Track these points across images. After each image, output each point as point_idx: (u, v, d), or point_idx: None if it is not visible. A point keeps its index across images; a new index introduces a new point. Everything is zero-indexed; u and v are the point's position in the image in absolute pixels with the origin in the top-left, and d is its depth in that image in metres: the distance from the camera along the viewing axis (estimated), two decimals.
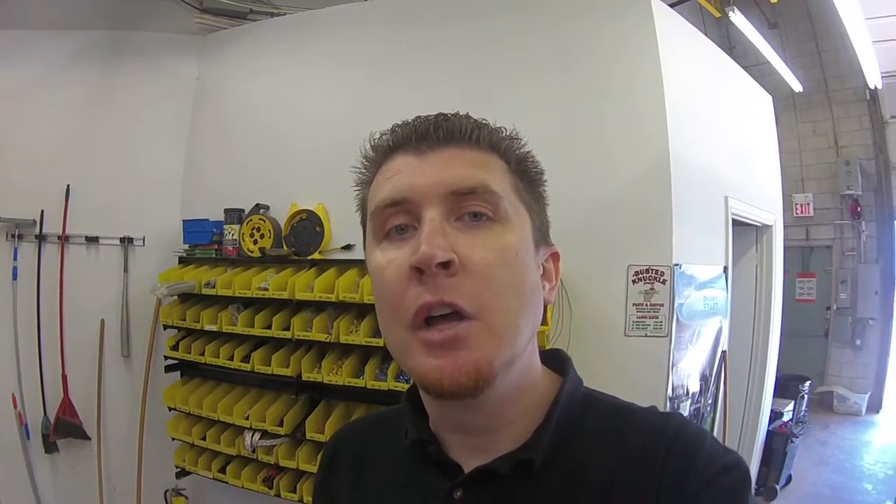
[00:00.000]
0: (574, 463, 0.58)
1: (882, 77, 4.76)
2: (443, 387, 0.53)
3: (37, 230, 3.36)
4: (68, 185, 3.36)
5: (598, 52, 2.61)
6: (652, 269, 2.54)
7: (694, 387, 2.88)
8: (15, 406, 3.31)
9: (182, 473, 3.11)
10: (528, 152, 0.63)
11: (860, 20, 3.54)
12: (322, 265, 2.77)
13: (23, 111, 3.36)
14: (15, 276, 3.34)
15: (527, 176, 0.62)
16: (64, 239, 3.38)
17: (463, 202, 0.56)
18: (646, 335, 2.54)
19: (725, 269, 3.13)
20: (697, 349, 2.88)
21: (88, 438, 3.39)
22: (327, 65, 2.99)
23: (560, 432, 0.59)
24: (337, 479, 0.72)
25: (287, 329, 2.69)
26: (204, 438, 2.96)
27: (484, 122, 0.61)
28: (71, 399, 3.39)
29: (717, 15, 4.26)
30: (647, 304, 2.55)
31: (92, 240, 3.42)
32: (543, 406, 0.61)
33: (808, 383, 4.64)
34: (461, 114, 0.61)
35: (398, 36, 2.84)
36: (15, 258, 3.33)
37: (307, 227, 2.81)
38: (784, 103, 5.91)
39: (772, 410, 4.13)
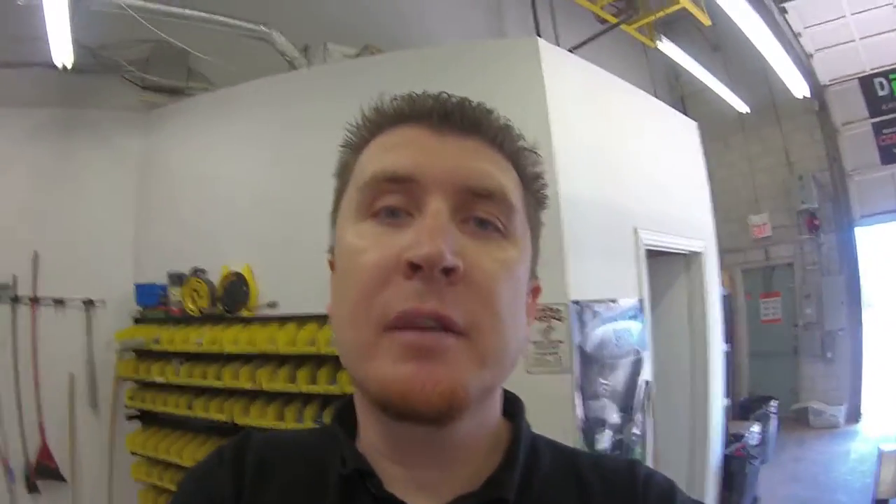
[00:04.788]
0: (541, 502, 0.55)
1: (829, 84, 4.93)
2: (408, 402, 0.46)
3: (11, 293, 3.73)
4: (35, 252, 3.75)
5: (488, 101, 2.89)
6: (548, 308, 2.77)
7: (612, 418, 3.06)
8: None
9: None
10: (541, 171, 0.58)
11: (769, 38, 3.77)
12: (251, 321, 3.11)
13: None
14: None
15: (535, 197, 0.58)
16: (34, 301, 3.76)
17: (475, 203, 0.51)
18: (549, 371, 2.75)
19: (641, 300, 3.33)
20: (612, 381, 3.07)
21: (65, 480, 3.74)
22: (244, 136, 3.36)
23: (522, 471, 0.55)
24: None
25: (220, 379, 3.03)
26: (161, 479, 3.33)
27: (508, 122, 0.57)
28: (48, 445, 3.74)
29: (652, 45, 4.48)
30: (546, 342, 2.78)
31: (59, 302, 3.81)
32: (498, 444, 0.57)
33: (773, 403, 4.77)
34: (486, 105, 0.56)
35: (309, 106, 3.14)
36: None
37: (236, 287, 3.16)
38: (733, 126, 6.13)
39: (730, 434, 4.27)
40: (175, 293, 3.36)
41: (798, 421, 6.09)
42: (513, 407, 0.61)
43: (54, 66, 3.25)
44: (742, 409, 4.52)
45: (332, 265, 0.57)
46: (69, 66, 3.24)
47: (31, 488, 3.71)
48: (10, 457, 3.69)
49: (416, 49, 3.17)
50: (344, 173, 0.57)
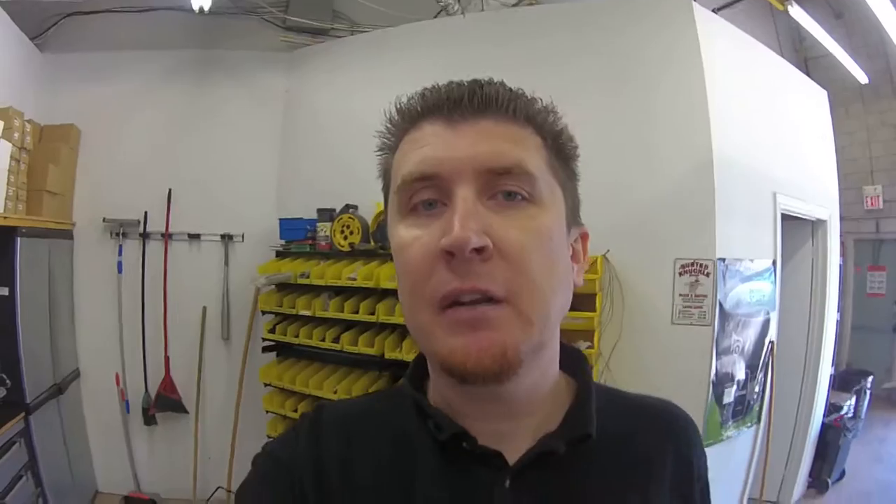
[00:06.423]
0: (617, 437, 0.64)
1: None
2: (467, 369, 0.54)
3: (140, 229, 4.02)
4: (170, 189, 4.03)
5: (645, 62, 3.07)
6: (697, 263, 2.97)
7: (739, 374, 3.25)
8: (118, 384, 4.01)
9: None
10: (563, 126, 0.63)
11: (887, 5, 3.82)
12: None
13: (124, 123, 4.03)
14: (120, 270, 4.04)
15: (562, 152, 0.62)
16: (167, 236, 4.05)
17: (497, 181, 0.56)
18: (691, 324, 2.97)
19: (774, 262, 3.51)
20: (743, 338, 3.26)
21: (186, 412, 4.04)
22: (395, 77, 3.46)
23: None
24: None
25: (373, 314, 3.25)
26: (295, 411, 3.55)
27: (520, 91, 0.61)
28: (172, 377, 4.05)
29: (781, 8, 4.54)
30: (692, 295, 2.98)
31: (194, 237, 4.10)
32: (559, 392, 0.65)
33: (870, 378, 4.86)
34: (496, 81, 0.61)
35: (462, 53, 3.33)
36: (120, 254, 4.02)
37: None
38: (853, 94, 6.12)
39: (830, 403, 4.40)
40: (324, 228, 3.54)
41: (888, 400, 6.20)
42: (571, 357, 0.69)
43: (192, 10, 3.47)
44: (841, 380, 4.65)
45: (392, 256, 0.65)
46: (206, 9, 3.44)
47: (149, 421, 4.00)
48: (129, 389, 4.01)
49: (572, 2, 3.31)
50: (385, 175, 0.65)
